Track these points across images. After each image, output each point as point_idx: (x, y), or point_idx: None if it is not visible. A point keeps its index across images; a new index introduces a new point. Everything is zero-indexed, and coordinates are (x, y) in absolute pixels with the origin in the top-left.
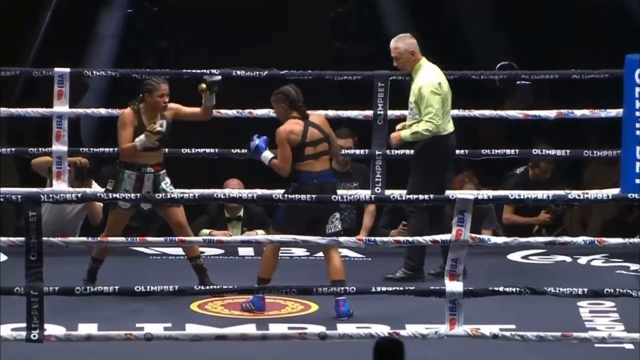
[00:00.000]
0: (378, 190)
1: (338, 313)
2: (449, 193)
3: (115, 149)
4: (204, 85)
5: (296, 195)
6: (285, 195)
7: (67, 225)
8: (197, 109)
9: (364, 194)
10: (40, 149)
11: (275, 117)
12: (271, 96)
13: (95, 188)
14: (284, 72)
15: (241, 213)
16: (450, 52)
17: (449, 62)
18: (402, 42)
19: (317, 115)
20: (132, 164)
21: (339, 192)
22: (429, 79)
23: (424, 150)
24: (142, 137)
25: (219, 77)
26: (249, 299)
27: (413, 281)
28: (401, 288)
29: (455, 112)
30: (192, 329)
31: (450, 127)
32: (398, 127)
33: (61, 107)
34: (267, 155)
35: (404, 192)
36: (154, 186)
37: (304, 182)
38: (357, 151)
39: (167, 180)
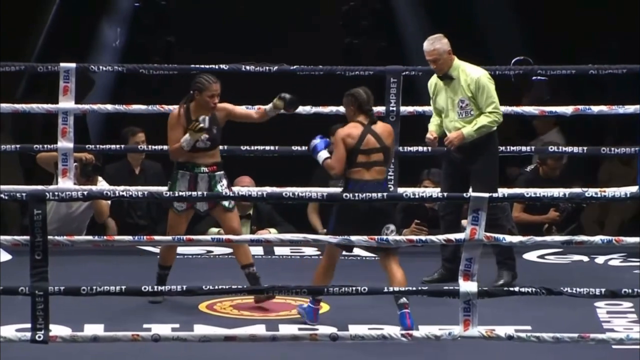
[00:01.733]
0: (391, 188)
1: (406, 325)
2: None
3: (122, 146)
4: (280, 103)
5: (305, 194)
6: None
7: (72, 223)
8: (251, 112)
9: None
10: (45, 146)
11: (288, 113)
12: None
13: (101, 185)
14: (294, 67)
15: (251, 211)
16: (465, 46)
17: (464, 57)
18: (440, 43)
19: (382, 125)
20: (185, 163)
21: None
22: (481, 71)
23: (488, 145)
24: (186, 136)
25: (297, 102)
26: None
27: (451, 282)
28: (414, 288)
29: None
30: (200, 329)
31: None
32: (430, 129)
33: (67, 103)
34: (322, 155)
35: (417, 190)
36: (208, 187)
37: (351, 189)
38: None
39: (224, 182)
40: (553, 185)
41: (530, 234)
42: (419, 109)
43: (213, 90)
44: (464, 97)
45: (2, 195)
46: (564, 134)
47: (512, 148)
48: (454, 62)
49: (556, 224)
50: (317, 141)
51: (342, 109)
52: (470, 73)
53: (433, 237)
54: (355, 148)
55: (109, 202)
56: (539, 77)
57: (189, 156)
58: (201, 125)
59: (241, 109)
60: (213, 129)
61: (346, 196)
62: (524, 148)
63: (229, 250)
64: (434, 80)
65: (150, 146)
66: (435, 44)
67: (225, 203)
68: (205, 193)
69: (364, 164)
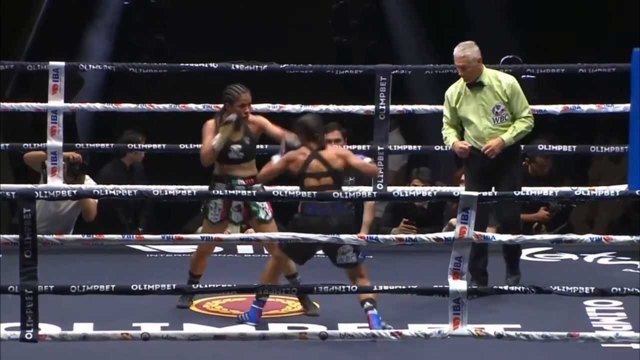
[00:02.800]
0: (380, 186)
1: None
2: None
3: (112, 145)
4: None
5: (296, 192)
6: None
7: (60, 222)
8: (283, 132)
9: (366, 190)
10: (35, 145)
11: (275, 111)
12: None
13: (89, 183)
14: (284, 65)
15: None
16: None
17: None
18: (470, 50)
19: (332, 149)
20: (222, 176)
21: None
22: (511, 76)
23: (516, 149)
24: (216, 136)
25: None
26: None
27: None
28: (404, 287)
29: None
30: (190, 328)
31: None
32: (456, 140)
33: (56, 102)
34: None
35: (405, 188)
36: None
37: (307, 214)
38: (358, 146)
39: None
40: (542, 183)
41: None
42: (409, 107)
43: (242, 100)
44: (500, 102)
45: None
46: (554, 133)
47: None
48: (483, 70)
49: (546, 222)
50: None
51: (332, 107)
52: (503, 79)
53: (422, 236)
54: (302, 172)
55: (96, 200)
56: (527, 76)
57: (224, 168)
58: (229, 117)
59: (275, 128)
60: (246, 140)
61: (336, 195)
62: None
63: (218, 249)
64: (455, 90)
65: (140, 145)
66: (466, 50)
67: (262, 215)
68: (195, 192)
69: (314, 188)
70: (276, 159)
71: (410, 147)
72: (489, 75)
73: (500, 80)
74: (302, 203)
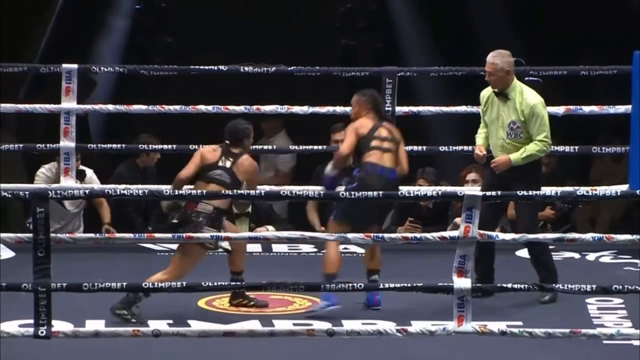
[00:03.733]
0: None
1: (373, 302)
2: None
3: (123, 145)
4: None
5: (303, 192)
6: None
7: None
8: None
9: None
10: (48, 146)
11: (283, 112)
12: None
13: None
14: (292, 68)
15: (249, 209)
16: (459, 47)
17: (459, 57)
18: (500, 59)
19: (390, 124)
20: (226, 210)
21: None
22: (538, 98)
23: (533, 172)
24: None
25: None
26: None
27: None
28: (408, 285)
29: (463, 108)
30: (199, 325)
31: None
32: (479, 143)
33: (69, 103)
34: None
35: (411, 188)
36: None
37: (366, 171)
38: None
39: None
40: (546, 183)
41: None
42: (414, 109)
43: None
44: (517, 119)
45: (6, 194)
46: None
47: None
48: (512, 83)
49: (551, 221)
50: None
51: (338, 109)
52: (526, 98)
53: (427, 235)
54: (369, 135)
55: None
56: (532, 78)
57: (229, 203)
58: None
59: None
60: None
61: (342, 194)
62: None
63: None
64: (487, 92)
65: (151, 145)
66: (497, 58)
67: None
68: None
69: (378, 148)
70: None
71: (415, 148)
72: (518, 90)
73: (523, 98)
74: (365, 165)
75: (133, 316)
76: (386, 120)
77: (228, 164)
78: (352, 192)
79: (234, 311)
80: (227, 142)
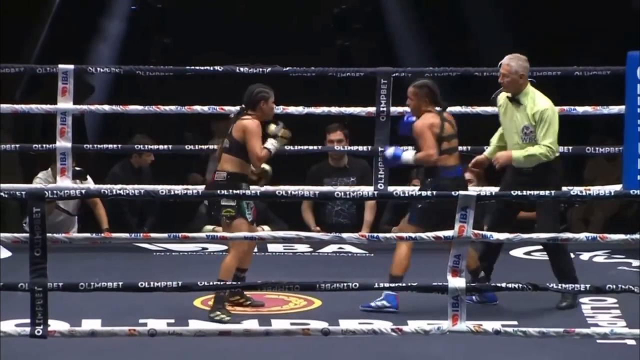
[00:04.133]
0: (381, 186)
1: (492, 298)
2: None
3: (119, 146)
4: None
5: (298, 192)
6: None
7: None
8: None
9: (367, 190)
10: (44, 146)
11: (278, 112)
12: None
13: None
14: (287, 68)
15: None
16: (454, 48)
17: (453, 58)
18: (515, 62)
19: (447, 114)
20: (245, 175)
21: (339, 188)
22: (548, 103)
23: (546, 174)
24: (273, 141)
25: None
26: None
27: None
28: (404, 284)
29: (457, 109)
30: (195, 324)
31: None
32: (485, 153)
33: (65, 104)
34: (407, 155)
35: (406, 188)
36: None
37: (445, 176)
38: (360, 147)
39: None
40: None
41: (522, 230)
42: (408, 109)
43: (273, 97)
44: (529, 124)
45: (2, 194)
46: None
47: None
48: (525, 88)
49: None
50: (392, 150)
51: (334, 109)
52: (538, 103)
53: (422, 234)
54: (440, 136)
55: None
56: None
57: (246, 168)
58: (276, 127)
59: None
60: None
61: (337, 194)
62: None
63: (223, 247)
64: (503, 96)
65: (146, 146)
66: (512, 61)
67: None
68: (201, 192)
69: (447, 150)
70: (409, 153)
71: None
72: (530, 95)
73: (535, 103)
74: (440, 170)
75: (227, 314)
76: (445, 110)
77: (230, 129)
78: (347, 193)
79: (230, 310)
80: (242, 106)
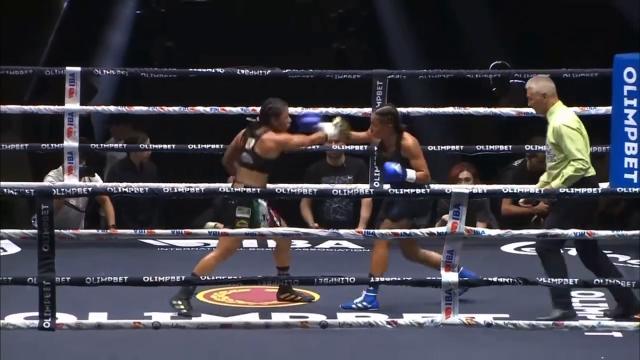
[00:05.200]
0: (377, 184)
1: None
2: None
3: (124, 145)
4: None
5: (297, 190)
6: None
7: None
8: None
9: (363, 188)
10: (52, 145)
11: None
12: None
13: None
14: (287, 71)
15: None
16: (448, 51)
17: (447, 61)
18: (536, 84)
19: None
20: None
21: (337, 186)
22: (567, 118)
23: (570, 203)
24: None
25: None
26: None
27: (569, 319)
28: (399, 279)
29: (450, 109)
30: (198, 317)
31: (593, 169)
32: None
33: (72, 105)
34: (410, 174)
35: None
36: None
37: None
38: (356, 147)
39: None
40: (532, 181)
41: (519, 225)
42: (404, 110)
43: (287, 111)
44: (549, 142)
45: (12, 191)
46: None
47: (490, 147)
48: (553, 107)
49: (545, 215)
50: (393, 167)
51: (331, 109)
52: (556, 120)
53: (416, 231)
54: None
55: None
56: (516, 81)
57: (263, 182)
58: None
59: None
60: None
61: (335, 192)
62: (501, 147)
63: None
64: None
65: (151, 145)
66: (532, 83)
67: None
68: (203, 189)
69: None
70: (411, 172)
71: None
72: (555, 113)
73: (555, 121)
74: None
75: (189, 308)
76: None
77: (251, 145)
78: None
79: (231, 304)
80: (257, 120)
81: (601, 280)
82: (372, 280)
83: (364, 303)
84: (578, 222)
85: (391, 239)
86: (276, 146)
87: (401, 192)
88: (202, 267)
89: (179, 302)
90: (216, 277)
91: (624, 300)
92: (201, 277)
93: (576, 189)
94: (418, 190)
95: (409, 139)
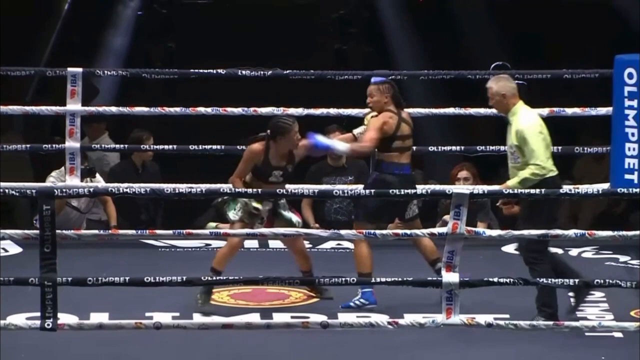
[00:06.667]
0: None
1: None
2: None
3: (125, 146)
4: None
5: (298, 190)
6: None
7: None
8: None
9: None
10: (54, 146)
11: (278, 114)
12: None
13: (98, 181)
14: (288, 71)
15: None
16: (449, 52)
17: (447, 62)
18: (496, 84)
19: (406, 113)
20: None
21: (338, 186)
22: (529, 121)
23: (538, 208)
24: (239, 211)
25: None
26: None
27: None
28: (400, 279)
29: (451, 110)
30: (199, 318)
31: (555, 169)
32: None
33: (74, 105)
34: (335, 144)
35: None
36: (273, 209)
37: (385, 169)
38: None
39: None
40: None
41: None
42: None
43: (296, 129)
44: (512, 144)
45: (14, 192)
46: None
47: (491, 148)
48: (513, 107)
49: None
50: (315, 139)
51: (332, 110)
52: (519, 122)
53: (417, 231)
54: (394, 135)
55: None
56: (517, 81)
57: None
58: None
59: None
60: (288, 167)
61: (336, 192)
62: (502, 148)
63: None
64: None
65: (152, 146)
66: (492, 83)
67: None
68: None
69: (400, 149)
70: (337, 143)
71: None
72: (517, 114)
73: (518, 122)
74: (381, 164)
75: (204, 303)
76: (404, 109)
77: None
78: (345, 191)
79: (232, 304)
80: (267, 133)
81: (602, 281)
82: (361, 279)
83: (362, 300)
84: (540, 224)
85: (392, 239)
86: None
87: (402, 193)
88: (218, 258)
89: (198, 297)
90: (217, 278)
91: (542, 300)
92: (219, 271)
93: (576, 190)
94: (418, 192)
95: (378, 117)
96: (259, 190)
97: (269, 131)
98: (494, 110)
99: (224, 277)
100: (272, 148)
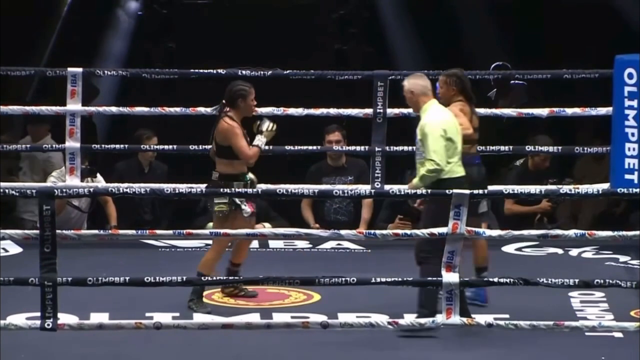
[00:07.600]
0: (378, 185)
1: (484, 299)
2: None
3: (126, 146)
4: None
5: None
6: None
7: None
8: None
9: (365, 188)
10: (54, 146)
11: (279, 114)
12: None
13: (99, 181)
14: (288, 71)
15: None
16: (449, 52)
17: (446, 61)
18: (408, 82)
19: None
20: (238, 174)
21: (337, 186)
22: (434, 118)
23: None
24: (261, 137)
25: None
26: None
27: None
28: (399, 279)
29: None
30: (199, 318)
31: (459, 171)
32: None
33: (74, 105)
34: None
35: (402, 186)
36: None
37: (469, 162)
38: (358, 148)
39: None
40: (542, 176)
41: (522, 224)
42: (404, 111)
43: (253, 93)
44: (417, 140)
45: (14, 192)
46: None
47: (491, 148)
48: (424, 105)
49: (548, 214)
50: None
51: (332, 110)
52: (424, 118)
53: (417, 231)
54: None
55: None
56: (517, 82)
57: (238, 167)
58: (266, 123)
59: None
60: (247, 138)
61: (336, 192)
62: (502, 148)
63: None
64: None
65: (153, 146)
66: (405, 81)
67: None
68: (204, 190)
69: (474, 141)
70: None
71: (405, 148)
72: (426, 112)
73: (423, 118)
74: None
75: (198, 306)
76: (473, 103)
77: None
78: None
79: (232, 304)
80: (223, 102)
81: (602, 281)
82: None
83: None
84: (429, 223)
85: (392, 239)
86: (226, 137)
87: (403, 193)
88: (204, 264)
89: (190, 304)
90: (217, 278)
91: (419, 300)
92: (207, 276)
93: (576, 190)
94: (418, 192)
95: (455, 105)
96: (259, 190)
97: (227, 100)
98: (494, 110)
99: (224, 278)
100: (236, 116)
